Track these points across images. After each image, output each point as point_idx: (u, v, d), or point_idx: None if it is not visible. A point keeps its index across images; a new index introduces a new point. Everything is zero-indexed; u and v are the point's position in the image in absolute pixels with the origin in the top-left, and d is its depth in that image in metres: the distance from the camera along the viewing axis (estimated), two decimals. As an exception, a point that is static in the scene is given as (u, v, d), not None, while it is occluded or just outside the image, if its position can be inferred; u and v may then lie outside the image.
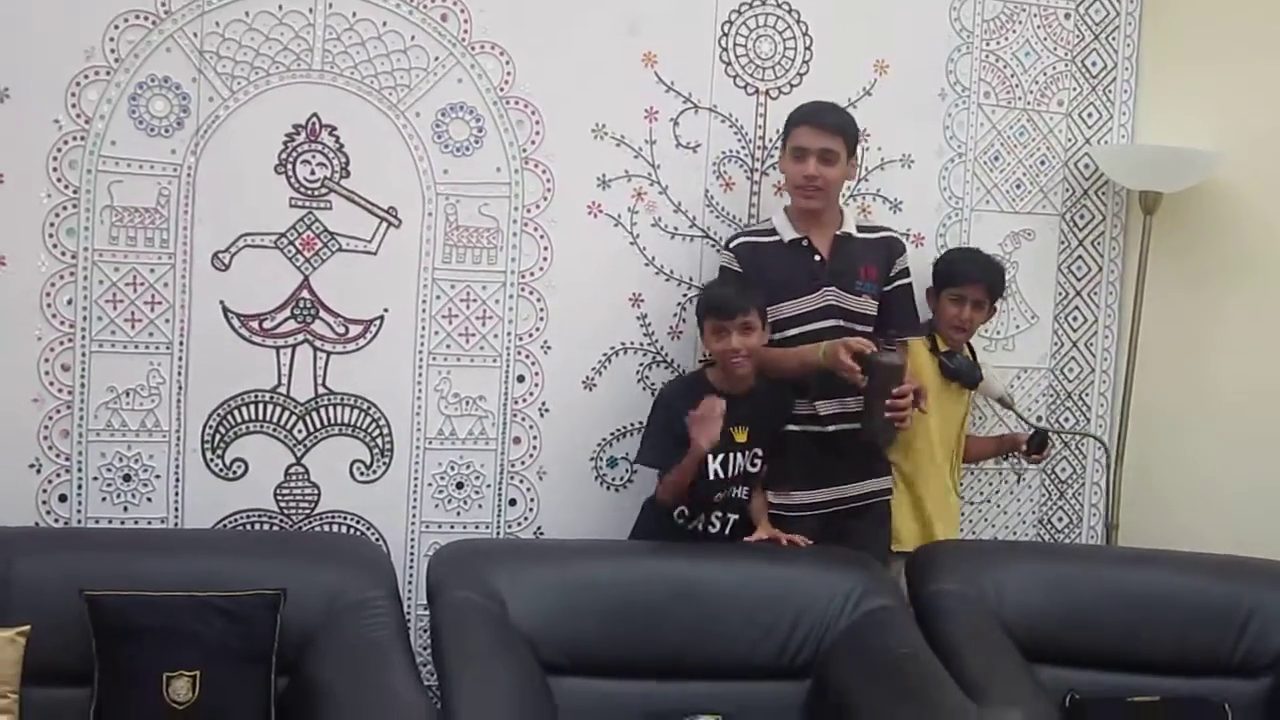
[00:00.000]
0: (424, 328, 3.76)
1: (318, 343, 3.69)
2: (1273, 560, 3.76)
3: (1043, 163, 4.24)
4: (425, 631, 3.56)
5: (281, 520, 3.70)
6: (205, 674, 3.02)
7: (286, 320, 3.67)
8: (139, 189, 3.54)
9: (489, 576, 3.35)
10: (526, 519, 3.89)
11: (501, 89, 3.76)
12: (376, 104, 3.68)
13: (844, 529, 3.72)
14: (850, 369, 3.45)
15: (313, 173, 3.65)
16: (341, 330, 3.71)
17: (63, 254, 3.50)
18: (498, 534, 3.87)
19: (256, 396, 3.67)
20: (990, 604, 3.55)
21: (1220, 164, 4.10)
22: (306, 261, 3.66)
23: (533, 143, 3.79)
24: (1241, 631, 3.58)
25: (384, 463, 3.78)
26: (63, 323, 3.52)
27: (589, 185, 3.85)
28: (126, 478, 3.60)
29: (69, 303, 3.52)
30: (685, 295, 3.94)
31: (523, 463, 3.87)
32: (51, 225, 3.49)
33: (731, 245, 3.76)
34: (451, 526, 3.83)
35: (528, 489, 3.88)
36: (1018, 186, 4.22)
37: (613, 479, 3.94)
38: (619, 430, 3.92)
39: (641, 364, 3.93)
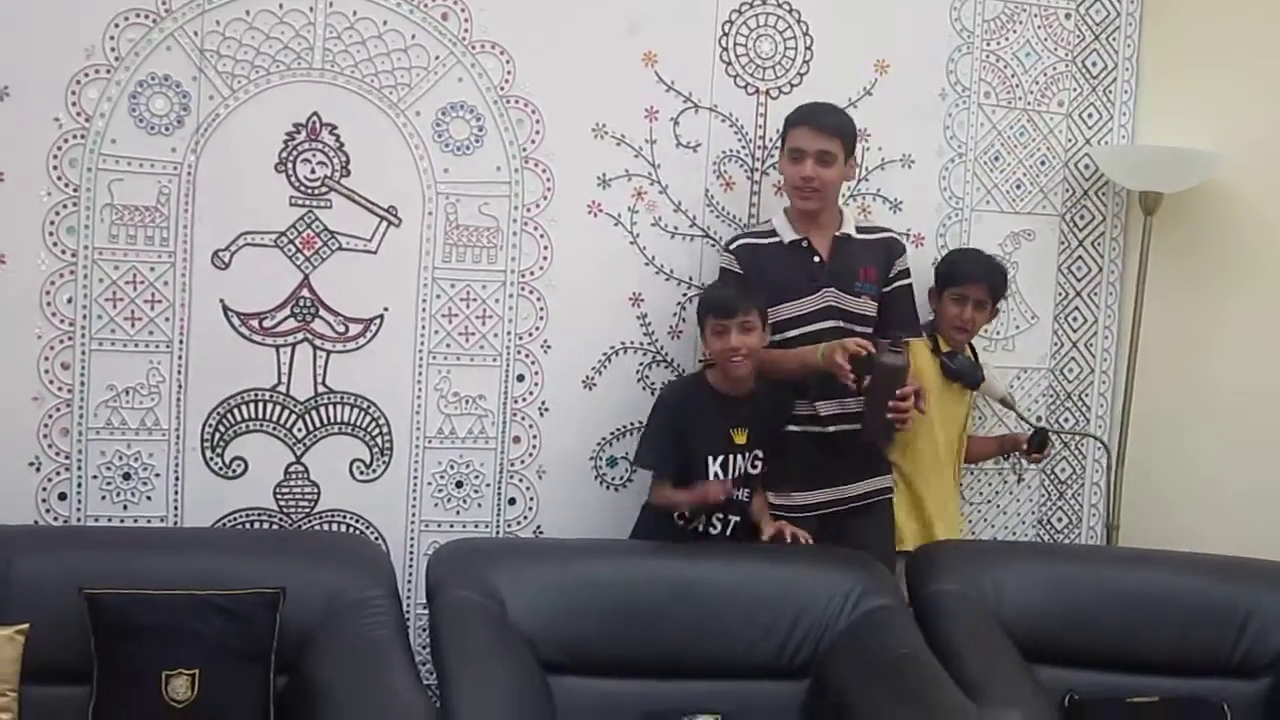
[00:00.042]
0: (424, 327, 3.76)
1: (317, 341, 3.69)
2: (1272, 561, 3.76)
3: (1043, 163, 4.24)
4: (424, 630, 3.56)
5: (281, 519, 3.70)
6: (204, 672, 3.02)
7: (286, 319, 3.67)
8: (139, 187, 3.54)
9: (488, 576, 3.35)
10: (526, 518, 3.89)
11: (502, 88, 3.76)
12: (377, 103, 3.68)
13: (844, 528, 3.73)
14: (844, 371, 3.45)
15: (313, 171, 3.65)
16: (341, 329, 3.71)
17: (63, 252, 3.50)
18: (497, 533, 3.87)
19: (256, 395, 3.67)
20: (990, 604, 3.55)
21: (1220, 164, 4.10)
22: (306, 260, 3.66)
23: (533, 142, 3.79)
24: (1241, 632, 3.58)
25: (384, 462, 3.77)
26: (63, 321, 3.52)
27: (589, 184, 3.85)
28: (126, 476, 3.60)
29: (69, 301, 3.52)
30: (685, 295, 3.94)
31: (522, 462, 3.87)
32: (52, 223, 3.49)
33: (732, 247, 3.76)
34: (451, 525, 3.83)
35: (527, 488, 3.88)
36: (1018, 187, 4.22)
37: (612, 478, 3.94)
38: (619, 430, 3.92)
39: (641, 363, 3.93)
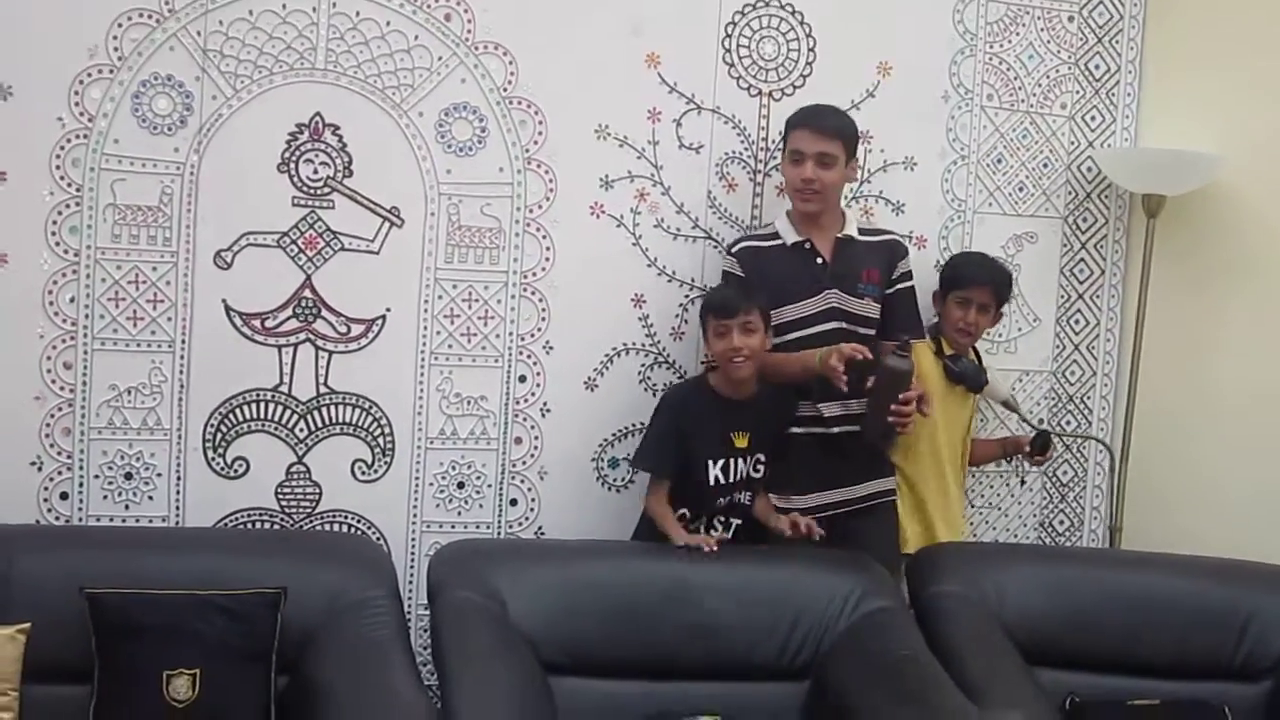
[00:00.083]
0: (426, 327, 3.76)
1: (319, 342, 3.69)
2: (1273, 564, 3.76)
3: (1045, 165, 4.24)
4: (426, 631, 3.56)
5: (282, 519, 3.70)
6: (205, 672, 3.02)
7: (288, 319, 3.67)
8: (142, 187, 3.54)
9: (490, 576, 3.35)
10: (527, 519, 3.89)
11: (505, 89, 3.76)
12: (380, 103, 3.68)
13: (848, 530, 3.72)
14: (837, 374, 3.45)
15: (315, 172, 3.65)
16: (343, 329, 3.71)
17: (65, 252, 3.50)
18: (498, 534, 3.87)
19: (258, 395, 3.67)
20: (991, 606, 3.55)
21: (1223, 167, 4.10)
22: (309, 261, 3.66)
23: (535, 143, 3.79)
24: (1242, 635, 3.58)
25: (385, 462, 3.78)
26: (65, 320, 3.52)
27: (592, 186, 3.85)
28: (128, 476, 3.60)
29: (71, 301, 3.52)
30: (687, 296, 3.94)
31: (524, 463, 3.87)
32: (54, 223, 3.49)
33: (734, 250, 3.76)
34: (452, 526, 3.83)
35: (529, 489, 3.88)
36: (1020, 189, 4.22)
37: (614, 479, 3.93)
38: (620, 431, 3.92)
39: (643, 365, 3.93)
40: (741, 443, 3.62)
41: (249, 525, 3.68)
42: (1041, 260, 4.25)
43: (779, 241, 3.73)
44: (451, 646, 3.15)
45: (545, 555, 3.59)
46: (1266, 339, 4.20)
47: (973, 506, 4.22)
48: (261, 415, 3.67)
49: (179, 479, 3.64)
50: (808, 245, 3.71)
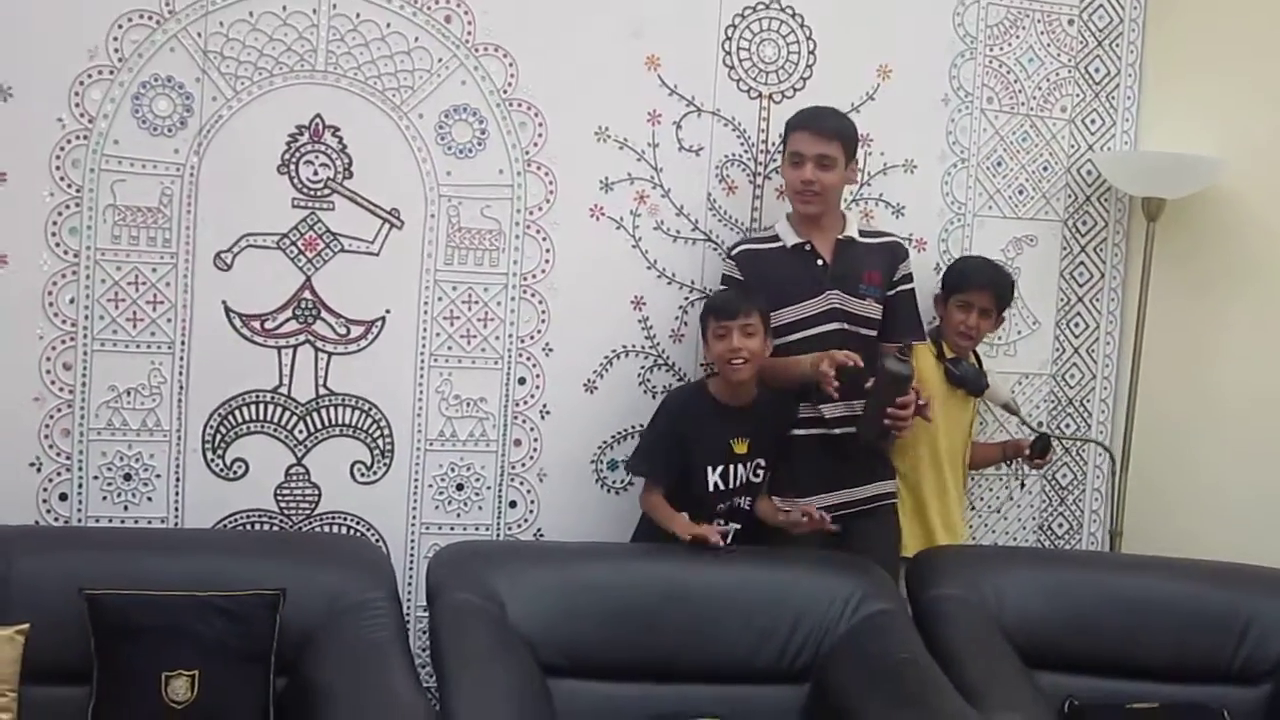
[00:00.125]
0: (425, 329, 3.76)
1: (319, 343, 3.69)
2: (1272, 567, 3.76)
3: (1045, 168, 4.24)
4: (425, 633, 3.56)
5: (282, 520, 3.70)
6: (204, 674, 3.02)
7: (288, 321, 3.67)
8: (142, 188, 3.54)
9: (489, 578, 3.35)
10: (527, 521, 3.89)
11: (505, 91, 3.76)
12: (380, 105, 3.68)
13: (849, 532, 3.71)
14: (828, 379, 3.46)
15: (315, 173, 3.65)
16: (343, 331, 3.71)
17: (65, 253, 3.50)
18: (498, 536, 3.87)
19: (257, 397, 3.67)
20: (990, 609, 3.55)
21: (1223, 170, 4.10)
22: (309, 262, 3.66)
23: (535, 145, 3.79)
24: (1241, 638, 3.58)
25: (384, 464, 3.77)
26: (64, 321, 3.52)
27: (591, 188, 3.85)
28: (127, 477, 3.60)
29: (71, 302, 3.52)
30: (687, 299, 3.94)
31: (523, 465, 3.87)
32: (54, 224, 3.49)
33: (733, 253, 3.77)
34: (451, 528, 3.83)
35: (528, 491, 3.88)
36: (1020, 192, 4.22)
37: (613, 482, 3.93)
38: (620, 433, 3.92)
39: (643, 367, 3.93)
40: (741, 449, 3.62)
41: (248, 527, 3.68)
42: (1041, 263, 4.25)
43: (779, 244, 3.73)
44: (450, 648, 3.15)
45: (544, 557, 3.59)
46: (1266, 343, 4.20)
47: (972, 509, 4.22)
48: (261, 417, 3.67)
49: (178, 480, 3.64)
50: (808, 247, 3.71)
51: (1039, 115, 4.22)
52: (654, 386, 3.92)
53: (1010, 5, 4.16)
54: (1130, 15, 4.25)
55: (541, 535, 3.89)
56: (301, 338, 3.68)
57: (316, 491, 3.73)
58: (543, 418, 3.87)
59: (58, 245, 3.49)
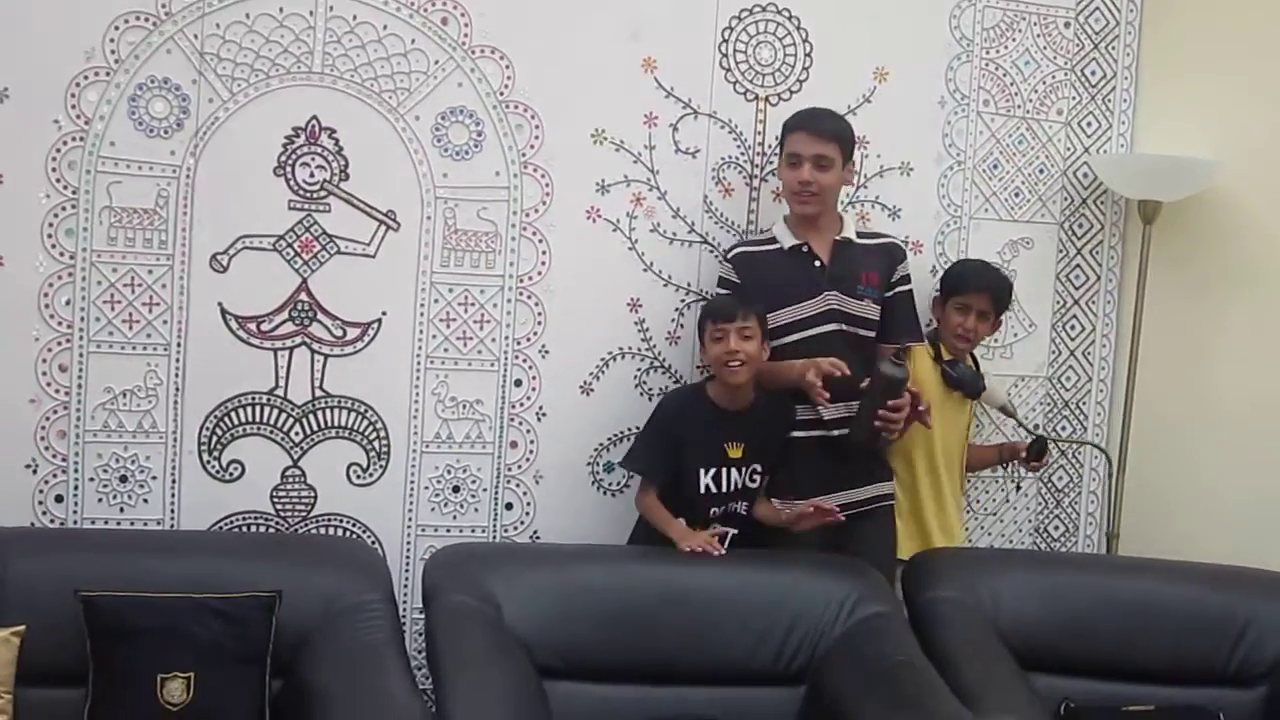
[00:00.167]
0: (422, 331, 3.76)
1: (315, 345, 3.69)
2: (1269, 570, 3.76)
3: (1041, 171, 4.24)
4: (421, 635, 3.55)
5: (278, 522, 3.70)
6: (200, 675, 3.02)
7: (284, 322, 3.67)
8: (138, 190, 3.54)
9: (485, 580, 3.35)
10: (523, 523, 3.89)
11: (501, 93, 3.76)
12: (376, 107, 3.68)
13: (846, 533, 3.71)
14: (814, 389, 3.48)
15: (312, 175, 3.65)
16: (339, 333, 3.71)
17: (61, 254, 3.50)
18: (494, 538, 3.87)
19: (254, 398, 3.66)
20: (986, 612, 3.55)
21: (1219, 173, 4.10)
22: (305, 264, 3.66)
23: (532, 147, 3.79)
24: (1237, 641, 3.58)
25: (381, 466, 3.77)
26: (60, 323, 3.52)
27: (588, 190, 3.85)
28: (123, 478, 3.60)
29: (67, 303, 3.52)
30: (684, 301, 3.94)
31: (519, 467, 3.87)
32: (50, 226, 3.49)
33: (729, 255, 3.77)
34: (448, 530, 3.83)
35: (524, 493, 3.88)
36: (1016, 195, 4.22)
37: (609, 484, 3.93)
38: (616, 435, 3.91)
39: (639, 369, 3.93)
40: (735, 453, 3.62)
41: (244, 528, 3.67)
42: (1037, 266, 4.25)
43: (776, 246, 3.73)
44: (446, 650, 3.15)
45: (540, 559, 3.59)
46: (1264, 345, 4.20)
47: (968, 511, 4.22)
48: (257, 418, 3.67)
49: (174, 482, 3.64)
50: (805, 249, 3.71)
51: (1035, 118, 4.22)
52: (650, 389, 3.92)
53: (1006, 8, 4.16)
54: (1126, 18, 4.26)
55: (538, 537, 3.89)
56: (298, 339, 3.68)
57: (313, 493, 3.73)
58: (539, 420, 3.87)
59: (54, 247, 3.49)
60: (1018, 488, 4.29)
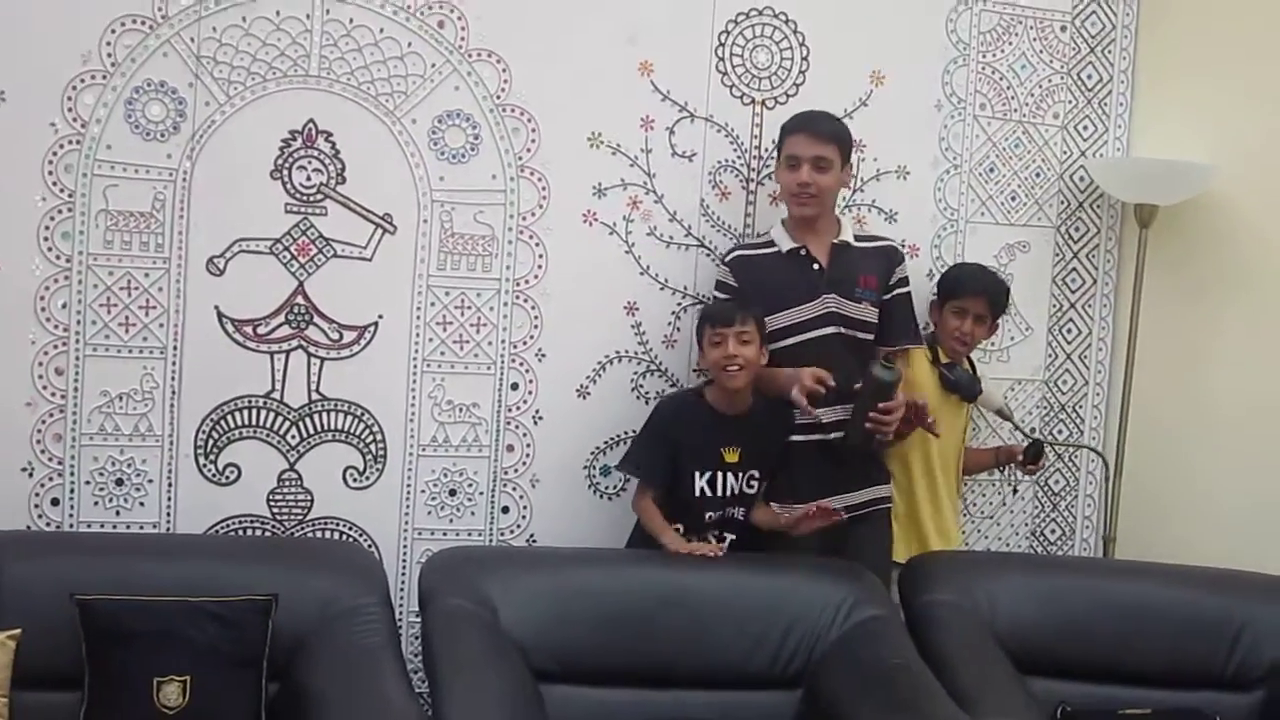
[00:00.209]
0: (418, 334, 3.76)
1: (312, 348, 3.69)
2: (1265, 573, 3.76)
3: (1038, 175, 4.24)
4: (417, 638, 3.55)
5: (274, 526, 3.70)
6: (196, 679, 3.02)
7: (281, 326, 3.66)
8: (134, 193, 3.53)
9: (481, 584, 3.35)
10: (519, 527, 3.89)
11: (498, 97, 3.76)
12: (373, 110, 3.68)
13: (843, 537, 3.71)
14: (802, 406, 3.50)
15: (308, 178, 3.65)
16: (336, 336, 3.70)
17: (57, 258, 3.50)
18: (490, 541, 3.87)
19: (250, 402, 3.66)
20: (983, 615, 3.55)
21: (1216, 177, 4.10)
22: (301, 267, 3.66)
23: (529, 150, 3.79)
24: (1234, 644, 3.58)
25: (377, 469, 3.77)
26: (56, 326, 3.51)
27: (584, 193, 3.85)
28: (119, 482, 3.60)
29: (63, 306, 3.51)
30: (680, 304, 3.94)
31: (516, 470, 3.87)
32: (46, 229, 3.48)
33: (727, 259, 3.77)
34: (444, 534, 3.83)
35: (521, 497, 3.88)
36: (1013, 199, 4.23)
37: (606, 487, 3.93)
38: (613, 439, 3.91)
39: (636, 373, 3.93)
40: (732, 458, 3.61)
41: (240, 532, 3.67)
42: (1034, 269, 4.25)
43: (774, 249, 3.73)
44: (442, 654, 3.15)
45: (537, 563, 3.58)
46: (1260, 349, 4.20)
47: (964, 515, 4.22)
48: (253, 422, 3.67)
49: (170, 485, 3.63)
50: (803, 252, 3.71)
51: (1031, 122, 4.22)
52: (647, 392, 3.92)
53: (1003, 12, 4.16)
54: (1122, 22, 4.26)
55: (534, 541, 3.89)
56: (294, 343, 3.68)
57: (309, 497, 3.72)
58: (535, 423, 3.87)
59: (50, 250, 3.49)
60: (1014, 491, 4.29)
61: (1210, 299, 4.26)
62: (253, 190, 3.61)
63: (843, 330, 3.67)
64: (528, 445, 3.87)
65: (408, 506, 3.80)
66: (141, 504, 3.62)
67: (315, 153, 3.65)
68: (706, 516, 3.63)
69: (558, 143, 3.80)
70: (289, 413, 3.69)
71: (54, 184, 3.47)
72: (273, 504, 3.70)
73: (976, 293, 3.92)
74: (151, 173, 3.54)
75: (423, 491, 3.81)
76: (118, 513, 3.60)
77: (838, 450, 3.68)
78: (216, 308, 3.61)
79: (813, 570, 3.57)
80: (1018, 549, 4.30)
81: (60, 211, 3.49)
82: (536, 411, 3.86)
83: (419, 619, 3.42)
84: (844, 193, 3.91)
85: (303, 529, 3.72)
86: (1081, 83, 4.25)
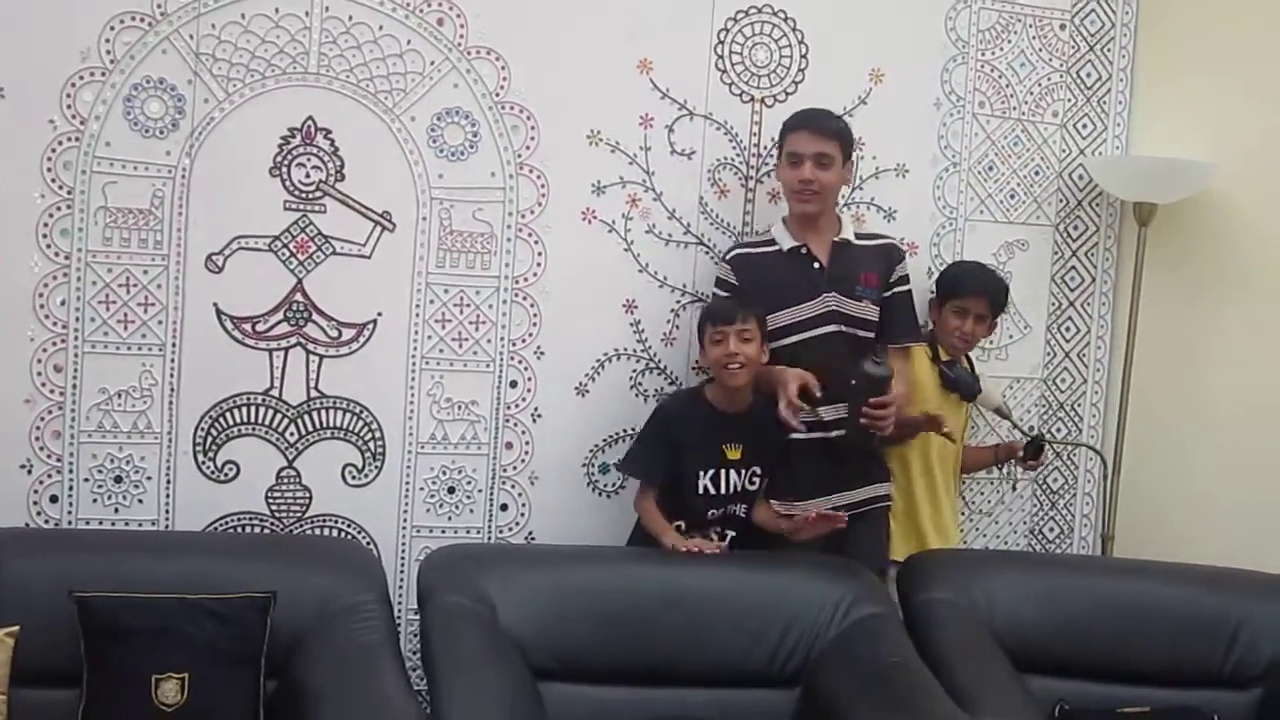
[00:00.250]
0: (417, 332, 3.76)
1: (310, 346, 3.69)
2: (1263, 571, 3.76)
3: (1037, 173, 4.24)
4: (415, 636, 3.55)
5: (272, 523, 3.70)
6: (194, 676, 3.02)
7: (279, 323, 3.66)
8: (133, 190, 3.53)
9: (480, 581, 3.35)
10: (518, 524, 3.89)
11: (497, 94, 3.76)
12: (372, 108, 3.68)
13: (843, 534, 3.70)
14: (790, 424, 3.51)
15: (307, 176, 3.65)
16: (334, 334, 3.70)
17: (56, 255, 3.50)
18: (489, 539, 3.87)
19: (249, 399, 3.66)
20: (981, 613, 3.55)
21: (1215, 175, 4.10)
22: (300, 264, 3.66)
23: (527, 148, 3.79)
24: (1232, 642, 3.58)
25: (376, 467, 3.77)
26: (55, 323, 3.51)
27: (583, 191, 3.85)
28: (118, 479, 3.60)
29: (62, 303, 3.51)
30: (679, 302, 3.94)
31: (515, 468, 3.87)
32: (45, 226, 3.48)
33: (727, 257, 3.77)
34: (443, 531, 3.83)
35: (519, 494, 3.88)
36: (1012, 197, 4.23)
37: (605, 485, 3.93)
38: (611, 436, 3.91)
39: (635, 370, 3.93)
40: (734, 455, 3.61)
41: (239, 529, 3.67)
42: (1033, 268, 4.25)
43: (774, 247, 3.73)
44: (441, 651, 3.15)
45: (536, 560, 3.59)
46: (1259, 347, 4.20)
47: (964, 513, 4.22)
48: (252, 419, 3.67)
49: (169, 482, 3.63)
50: (804, 250, 3.71)
51: (1030, 120, 4.22)
52: (645, 390, 3.92)
53: (1002, 10, 4.16)
54: (1122, 20, 4.26)
55: (533, 538, 3.89)
56: (293, 340, 3.68)
57: (307, 494, 3.72)
58: (534, 421, 3.87)
59: (49, 247, 3.49)
60: (1013, 488, 4.29)
61: (1209, 297, 4.26)
62: (252, 187, 3.61)
63: (843, 328, 3.68)
64: (526, 443, 3.87)
65: (406, 504, 3.80)
66: (140, 501, 3.62)
67: (314, 150, 3.65)
68: (709, 514, 3.63)
69: (557, 140, 3.80)
70: (288, 410, 3.69)
71: (53, 181, 3.47)
72: (271, 501, 3.70)
73: (977, 292, 3.92)
74: (150, 170, 3.54)
75: (421, 489, 3.81)
76: (116, 510, 3.60)
77: (839, 448, 3.68)
78: (215, 305, 3.61)
79: (811, 568, 3.57)
80: (1016, 547, 4.30)
81: (59, 208, 3.49)
82: (535, 409, 3.86)
83: (418, 616, 3.43)
84: (843, 190, 3.91)
85: (301, 526, 3.72)
86: (1081, 81, 4.25)
